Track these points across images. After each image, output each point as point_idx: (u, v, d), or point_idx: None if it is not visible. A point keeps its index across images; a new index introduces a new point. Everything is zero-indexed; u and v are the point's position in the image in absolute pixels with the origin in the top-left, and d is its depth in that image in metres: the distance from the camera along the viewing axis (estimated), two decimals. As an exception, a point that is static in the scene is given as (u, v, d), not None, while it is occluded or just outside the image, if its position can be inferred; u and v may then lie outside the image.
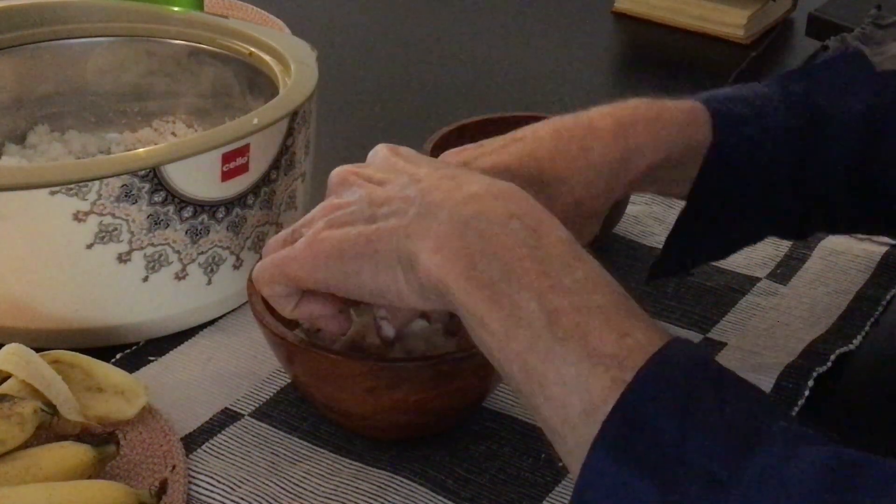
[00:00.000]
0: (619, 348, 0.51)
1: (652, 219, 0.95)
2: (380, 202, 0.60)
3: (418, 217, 0.58)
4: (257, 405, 0.74)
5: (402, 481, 0.68)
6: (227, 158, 0.77)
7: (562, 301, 0.53)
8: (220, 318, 0.82)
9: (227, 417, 0.73)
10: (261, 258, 0.65)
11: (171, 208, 0.75)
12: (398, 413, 0.68)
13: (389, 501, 0.66)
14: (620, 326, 0.52)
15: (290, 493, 0.67)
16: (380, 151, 0.66)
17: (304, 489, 0.67)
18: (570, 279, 0.54)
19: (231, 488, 0.67)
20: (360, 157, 0.68)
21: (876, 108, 0.75)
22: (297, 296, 0.64)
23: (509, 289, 0.54)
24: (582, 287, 0.54)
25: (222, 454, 0.70)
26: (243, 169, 0.78)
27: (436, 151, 0.85)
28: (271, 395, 0.75)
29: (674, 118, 0.73)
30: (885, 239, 0.92)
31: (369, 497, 0.67)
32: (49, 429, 0.65)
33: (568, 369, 0.51)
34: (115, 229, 0.74)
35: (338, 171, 0.65)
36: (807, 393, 0.75)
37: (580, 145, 0.70)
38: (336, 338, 0.69)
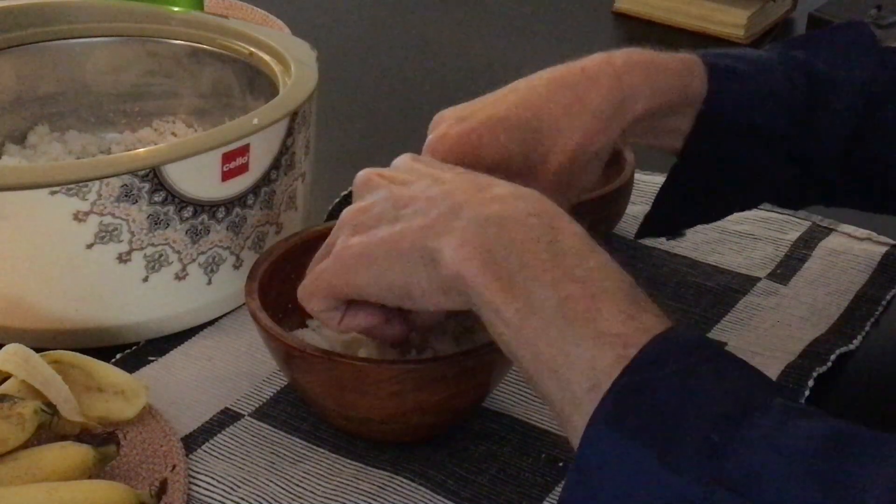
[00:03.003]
0: (625, 329, 0.53)
1: (652, 219, 0.95)
2: (404, 203, 0.61)
3: (441, 216, 0.59)
4: (257, 405, 0.74)
5: (402, 481, 0.68)
6: (227, 158, 0.77)
7: (573, 288, 0.55)
8: (220, 318, 0.82)
9: (227, 417, 0.73)
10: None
11: (171, 208, 0.75)
12: (419, 414, 0.68)
13: (389, 502, 0.66)
14: (628, 310, 0.54)
15: (290, 493, 0.67)
16: (402, 158, 0.67)
17: (304, 489, 0.67)
18: (582, 269, 0.56)
19: (231, 488, 0.67)
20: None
21: (877, 79, 0.75)
22: (341, 309, 0.65)
23: (524, 279, 0.55)
24: (593, 275, 0.55)
25: (222, 454, 0.70)
26: (243, 169, 0.78)
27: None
28: (271, 395, 0.75)
29: (669, 66, 0.73)
30: (886, 239, 0.92)
31: (369, 497, 0.67)
32: (49, 429, 0.65)
33: (576, 350, 0.53)
34: (115, 229, 0.74)
35: (362, 174, 0.66)
36: (807, 393, 0.75)
37: (574, 92, 0.71)
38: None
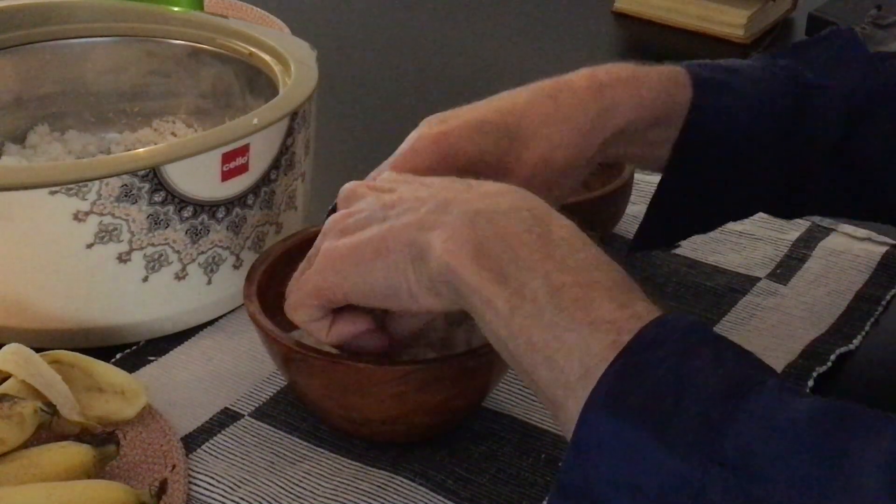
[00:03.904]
0: (619, 316, 0.53)
1: (652, 219, 0.95)
2: (392, 204, 0.61)
3: (430, 212, 0.59)
4: (257, 405, 0.74)
5: (402, 481, 0.68)
6: (227, 158, 0.77)
7: (565, 278, 0.55)
8: (220, 318, 0.82)
9: (227, 417, 0.73)
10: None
11: (171, 208, 0.75)
12: (420, 415, 0.68)
13: (389, 501, 0.66)
14: (621, 299, 0.54)
15: (290, 493, 0.67)
16: (384, 172, 0.67)
17: (304, 489, 0.67)
18: (573, 260, 0.56)
19: (231, 488, 0.67)
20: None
21: (864, 87, 0.75)
22: (328, 318, 0.65)
23: (516, 270, 0.56)
24: (585, 266, 0.56)
25: (222, 454, 0.70)
26: (243, 169, 0.78)
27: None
28: (271, 395, 0.75)
29: (653, 79, 0.73)
30: (886, 238, 0.92)
31: (369, 497, 0.67)
32: (49, 429, 0.65)
33: (570, 336, 0.53)
34: (115, 229, 0.74)
35: (346, 186, 0.66)
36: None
37: (554, 101, 0.71)
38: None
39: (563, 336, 0.53)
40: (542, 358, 0.54)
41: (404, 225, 0.59)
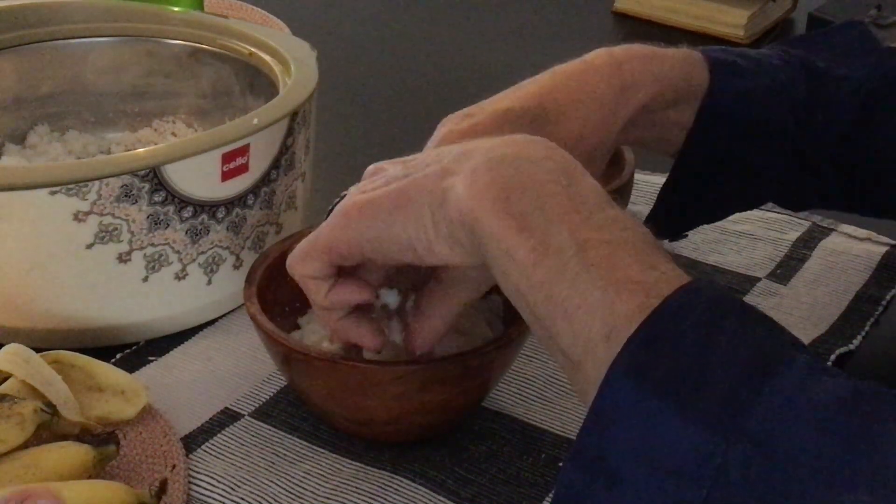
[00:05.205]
0: (646, 277, 0.52)
1: (652, 219, 0.95)
2: (414, 164, 0.60)
3: (453, 161, 0.57)
4: (257, 405, 0.74)
5: (402, 481, 0.68)
6: (227, 158, 0.77)
7: (592, 234, 0.53)
8: (220, 318, 0.82)
9: (227, 417, 0.73)
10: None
11: (171, 208, 0.75)
12: (422, 414, 0.68)
13: (389, 501, 0.66)
14: (649, 259, 0.53)
15: (290, 493, 0.67)
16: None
17: (304, 489, 0.67)
18: (600, 216, 0.54)
19: (231, 488, 0.67)
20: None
21: (875, 77, 0.76)
22: (331, 279, 0.63)
23: (540, 220, 0.54)
24: (612, 224, 0.54)
25: (222, 454, 0.70)
26: (243, 169, 0.78)
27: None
28: (271, 395, 0.75)
29: (670, 56, 0.75)
30: (886, 239, 0.92)
31: (369, 497, 0.67)
32: (49, 429, 0.65)
33: (593, 294, 0.51)
34: (116, 229, 0.74)
35: (371, 166, 0.64)
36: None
37: (578, 80, 0.72)
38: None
39: (587, 293, 0.51)
40: (562, 315, 0.52)
41: (425, 175, 0.57)
